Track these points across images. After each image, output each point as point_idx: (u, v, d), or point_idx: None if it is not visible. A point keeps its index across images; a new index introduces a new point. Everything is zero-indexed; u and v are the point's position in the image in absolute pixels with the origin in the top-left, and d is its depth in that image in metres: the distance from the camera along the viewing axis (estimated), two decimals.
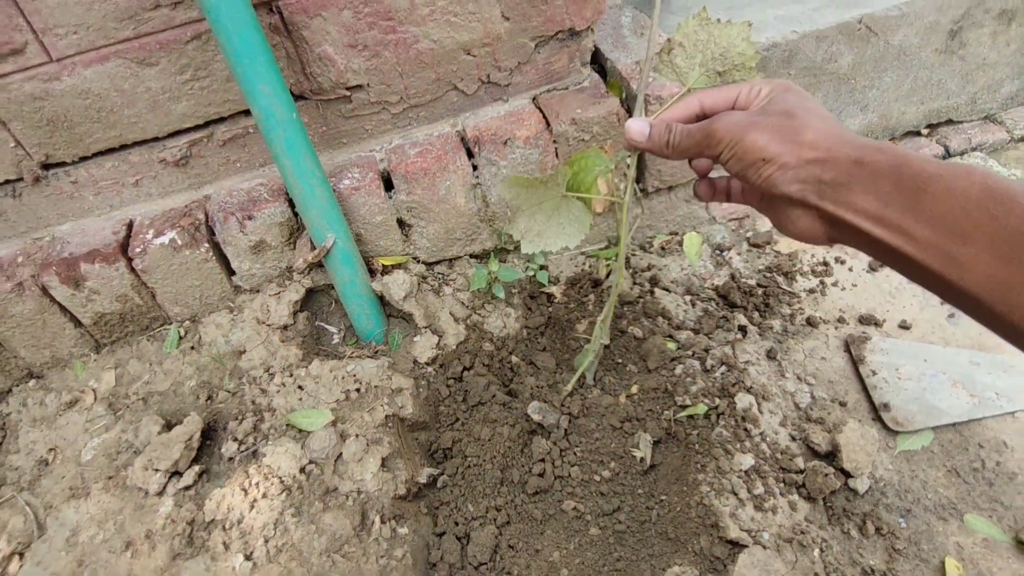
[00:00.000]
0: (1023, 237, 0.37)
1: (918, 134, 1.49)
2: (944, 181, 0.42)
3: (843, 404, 1.04)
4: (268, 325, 1.14)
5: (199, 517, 0.88)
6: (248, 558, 0.82)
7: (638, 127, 0.64)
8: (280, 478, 0.91)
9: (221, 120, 1.13)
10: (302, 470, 0.92)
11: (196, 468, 0.93)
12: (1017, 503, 0.91)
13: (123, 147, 1.11)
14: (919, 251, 0.43)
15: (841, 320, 1.17)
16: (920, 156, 0.45)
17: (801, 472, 0.92)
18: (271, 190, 1.15)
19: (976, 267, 0.40)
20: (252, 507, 0.87)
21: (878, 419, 1.02)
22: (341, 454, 0.95)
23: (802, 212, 0.52)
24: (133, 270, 1.12)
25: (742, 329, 1.13)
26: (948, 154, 1.45)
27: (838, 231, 0.50)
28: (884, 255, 0.47)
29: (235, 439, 0.98)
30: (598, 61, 1.30)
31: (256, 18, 0.90)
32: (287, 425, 1.00)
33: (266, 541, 0.83)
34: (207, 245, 1.14)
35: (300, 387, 1.06)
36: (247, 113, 1.13)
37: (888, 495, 0.93)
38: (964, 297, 0.42)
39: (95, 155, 1.11)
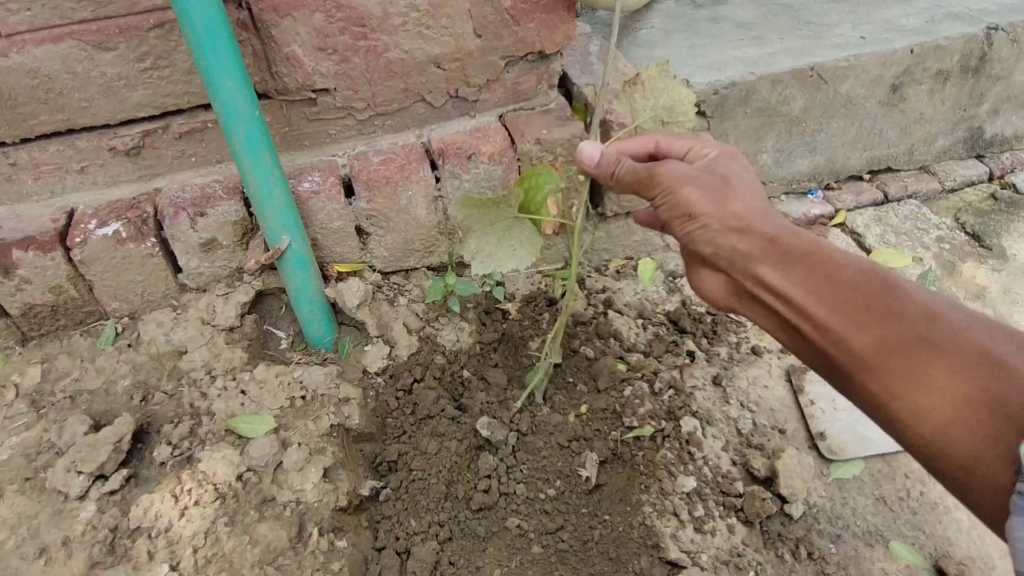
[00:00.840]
0: (915, 331, 0.40)
1: (860, 178, 1.58)
2: (850, 272, 0.45)
3: (782, 431, 1.07)
4: (213, 326, 1.10)
5: (123, 524, 0.83)
6: (174, 568, 0.78)
7: (589, 152, 0.66)
8: (215, 485, 0.87)
9: (179, 112, 1.09)
10: (239, 478, 0.89)
11: (124, 472, 0.88)
12: (938, 531, 0.96)
13: (70, 132, 1.07)
14: (816, 333, 0.45)
15: (784, 351, 1.21)
16: (831, 245, 0.48)
17: (740, 496, 0.95)
18: (227, 187, 1.12)
19: (867, 355, 0.42)
20: (182, 515, 0.83)
21: (814, 447, 1.06)
22: (282, 462, 0.92)
23: (711, 274, 0.54)
24: (71, 260, 1.07)
25: (690, 355, 1.16)
26: (887, 199, 1.54)
27: (740, 301, 0.52)
28: (780, 331, 0.49)
29: (169, 443, 0.94)
30: (565, 85, 1.33)
31: (224, 10, 0.88)
32: (226, 430, 0.96)
33: (195, 551, 0.79)
34: (154, 239, 1.09)
35: (243, 392, 1.02)
36: (207, 107, 1.10)
37: (820, 521, 0.96)
38: (851, 382, 0.44)
39: (39, 138, 1.06)
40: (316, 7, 1.02)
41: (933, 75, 1.44)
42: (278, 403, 1.00)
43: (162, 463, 0.91)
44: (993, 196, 1.55)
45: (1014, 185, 1.58)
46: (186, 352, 1.07)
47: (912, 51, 1.39)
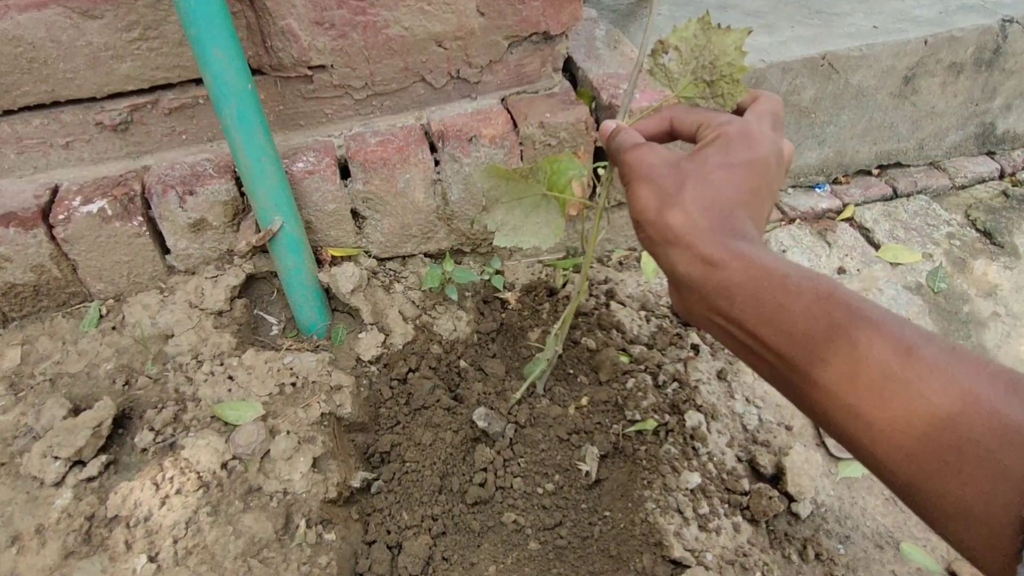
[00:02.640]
0: (883, 369, 0.35)
1: (869, 173, 1.55)
2: (806, 301, 0.39)
3: (789, 428, 1.04)
4: (201, 309, 1.06)
5: (100, 512, 0.79)
6: (152, 560, 0.74)
7: (606, 125, 0.61)
8: (198, 473, 0.83)
9: (169, 87, 1.05)
10: (224, 466, 0.85)
11: (103, 458, 0.84)
12: None
13: (55, 104, 1.02)
14: (778, 361, 0.40)
15: None
16: (783, 267, 0.41)
17: (746, 494, 0.91)
18: (218, 166, 1.08)
19: (834, 390, 0.37)
20: (163, 504, 0.79)
21: (822, 444, 1.02)
22: (269, 451, 0.88)
23: (670, 284, 0.48)
24: (54, 239, 1.03)
25: (695, 348, 1.13)
26: (896, 194, 1.51)
27: (695, 319, 0.46)
28: (741, 354, 0.44)
29: (152, 429, 0.90)
30: (570, 70, 1.29)
31: None
32: (212, 417, 0.92)
33: (175, 542, 0.75)
34: (141, 219, 1.05)
35: (231, 377, 0.98)
36: (198, 83, 1.06)
37: (829, 521, 0.93)
38: (822, 413, 0.39)
39: (22, 110, 1.02)
40: None
41: (946, 67, 1.40)
42: (267, 390, 0.96)
43: (144, 449, 0.87)
44: (1004, 193, 1.52)
45: None
46: (172, 336, 1.03)
47: (926, 42, 1.35)
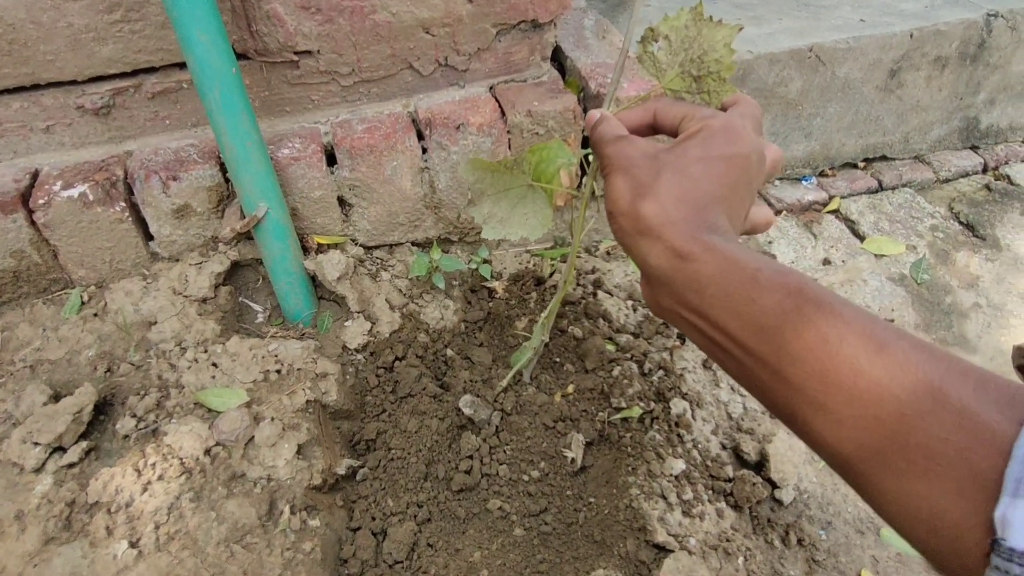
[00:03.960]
0: (853, 366, 0.34)
1: (855, 166, 1.56)
2: (776, 296, 0.38)
3: (773, 416, 1.04)
4: (185, 296, 1.05)
5: (81, 498, 0.78)
6: (133, 545, 0.73)
7: (591, 114, 0.60)
8: (181, 459, 0.83)
9: (152, 70, 1.04)
10: (207, 452, 0.84)
11: (83, 444, 0.84)
12: None
13: (35, 87, 1.01)
14: (746, 357, 0.39)
15: None
16: (754, 260, 0.40)
17: (730, 480, 0.92)
18: (202, 152, 1.07)
19: (805, 388, 0.36)
20: (145, 490, 0.79)
21: None
22: (253, 437, 0.88)
23: (641, 277, 0.47)
24: (34, 224, 1.01)
25: (681, 337, 1.13)
26: (881, 187, 1.52)
27: (664, 313, 0.45)
28: (709, 349, 0.43)
29: (134, 415, 0.89)
30: (558, 59, 1.28)
31: None
32: (195, 404, 0.91)
33: (156, 528, 0.75)
34: (123, 204, 1.04)
35: (215, 364, 0.97)
36: (182, 67, 1.05)
37: (811, 507, 0.94)
38: (776, 405, 0.39)
39: (1, 93, 1.00)
40: None
41: (931, 61, 1.41)
42: (251, 377, 0.96)
43: (125, 436, 0.87)
44: (987, 187, 1.54)
45: (1008, 177, 1.57)
46: (156, 322, 1.02)
47: (911, 35, 1.36)
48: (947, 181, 1.56)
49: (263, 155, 0.98)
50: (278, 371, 0.98)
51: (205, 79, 0.90)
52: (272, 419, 0.90)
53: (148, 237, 1.09)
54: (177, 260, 1.10)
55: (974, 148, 1.62)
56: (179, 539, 0.74)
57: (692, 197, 0.44)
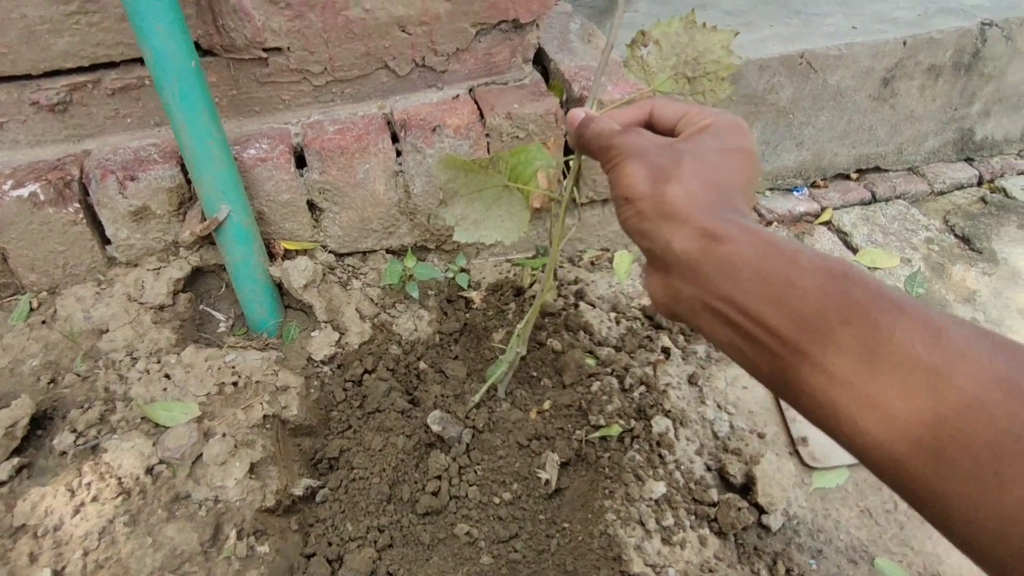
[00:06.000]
0: (911, 355, 0.30)
1: (847, 177, 1.52)
2: (819, 278, 0.34)
3: (761, 436, 0.99)
4: (141, 303, 0.99)
5: (7, 520, 0.72)
6: (58, 573, 0.67)
7: (574, 114, 0.56)
8: (119, 479, 0.76)
9: (112, 65, 0.99)
10: (149, 471, 0.78)
11: (15, 461, 0.77)
12: (927, 548, 0.88)
13: None
14: (781, 347, 0.35)
15: None
16: (792, 243, 0.37)
17: (714, 505, 0.86)
18: (163, 152, 1.02)
19: (853, 381, 0.32)
20: (76, 512, 0.72)
21: (795, 453, 0.98)
22: (201, 455, 0.82)
23: (653, 271, 0.43)
24: None
25: (665, 351, 1.08)
26: (875, 199, 1.48)
27: (684, 306, 0.41)
28: (738, 344, 0.39)
29: (74, 430, 0.83)
30: (542, 62, 1.24)
31: None
32: (142, 418, 0.85)
33: (85, 554, 0.68)
34: (77, 205, 0.98)
35: (167, 376, 0.91)
36: (144, 62, 1.00)
37: (801, 534, 0.88)
38: (815, 403, 0.34)
39: None
40: None
41: (925, 70, 1.38)
42: (205, 389, 0.90)
43: (63, 453, 0.80)
44: (983, 200, 1.50)
45: (1004, 189, 1.53)
46: (107, 331, 0.96)
47: (904, 43, 1.33)
48: (942, 193, 1.52)
49: (226, 154, 0.93)
50: (235, 383, 0.92)
51: (162, 72, 0.85)
52: (224, 435, 0.84)
53: (104, 240, 1.04)
54: (135, 265, 1.04)
55: (969, 160, 1.59)
56: (109, 567, 0.68)
57: (716, 182, 0.42)
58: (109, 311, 0.97)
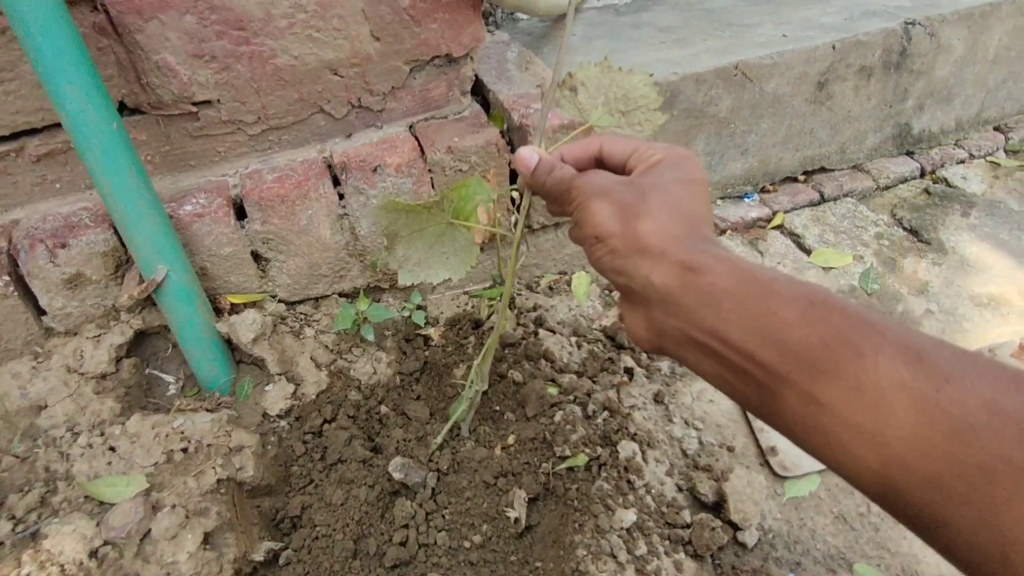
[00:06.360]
0: (894, 379, 0.30)
1: (795, 180, 1.54)
2: (800, 306, 0.34)
3: (731, 449, 0.98)
4: (81, 374, 0.95)
5: None
6: None
7: (526, 157, 0.56)
8: (61, 566, 0.72)
9: (34, 132, 0.96)
10: (93, 554, 0.74)
11: None
12: (903, 548, 0.87)
13: None
14: (768, 377, 0.35)
15: None
16: (770, 272, 0.37)
17: (687, 527, 0.84)
18: (95, 215, 0.98)
19: (840, 410, 0.32)
20: None
21: (766, 464, 0.97)
22: (150, 531, 0.78)
23: (631, 308, 0.44)
24: None
25: (628, 371, 1.07)
26: (823, 199, 1.50)
27: (668, 340, 0.41)
28: (724, 375, 0.38)
29: (12, 517, 0.78)
30: (481, 93, 1.25)
31: (62, 6, 0.76)
32: (85, 497, 0.81)
33: None
34: (8, 278, 0.95)
35: (111, 448, 0.87)
36: None
37: (777, 547, 0.87)
38: (806, 430, 0.34)
39: None
40: (186, 8, 0.91)
41: (857, 71, 1.42)
42: (152, 459, 0.86)
43: (0, 543, 0.76)
44: (927, 191, 1.53)
45: (946, 179, 1.57)
46: (46, 406, 0.92)
47: (834, 47, 1.36)
48: (887, 188, 1.56)
49: (158, 213, 0.91)
50: (184, 449, 0.88)
51: (82, 137, 0.83)
52: (174, 506, 0.80)
53: (40, 311, 1.00)
54: (74, 334, 1.00)
55: (910, 154, 1.63)
56: None
57: (684, 213, 0.43)
58: (47, 385, 0.93)
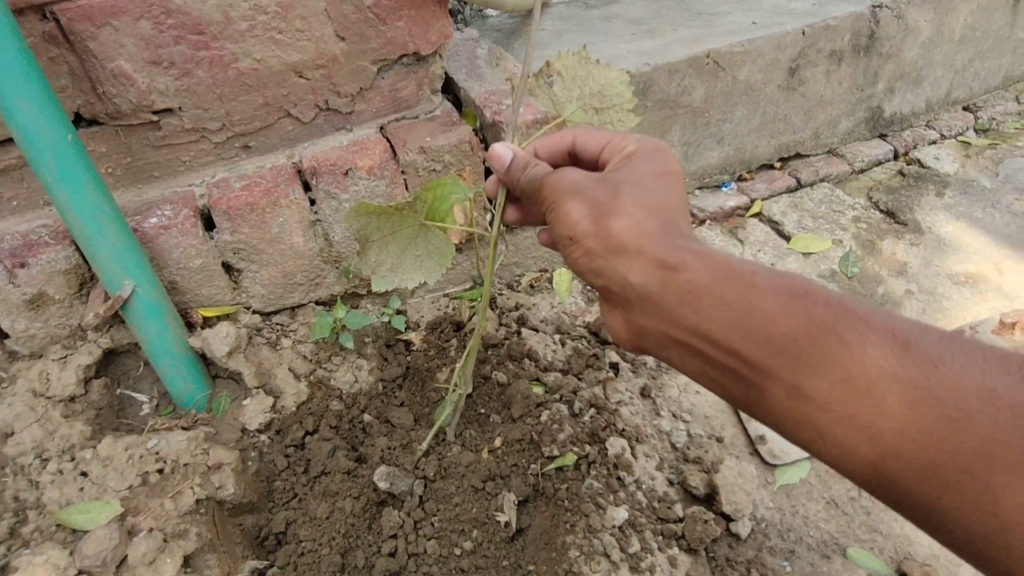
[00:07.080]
0: (883, 369, 0.30)
1: (772, 167, 1.55)
2: (781, 299, 0.33)
3: (720, 440, 0.97)
4: (48, 398, 0.91)
5: None
6: None
7: (500, 154, 0.54)
8: None
9: None
10: None
11: None
12: (895, 530, 0.87)
13: None
14: (753, 374, 0.34)
15: None
16: (750, 265, 0.36)
17: (680, 521, 0.83)
18: (55, 232, 0.95)
19: (827, 401, 0.31)
20: None
21: (756, 453, 0.96)
22: (126, 557, 0.75)
23: (610, 309, 0.42)
24: None
25: (614, 367, 1.06)
26: (800, 185, 1.50)
27: (650, 340, 0.40)
28: (709, 373, 0.37)
29: None
30: (452, 91, 1.23)
31: (8, 13, 0.73)
32: (57, 525, 0.78)
33: None
34: None
35: (83, 473, 0.84)
36: None
37: (771, 537, 0.86)
38: (797, 425, 0.33)
39: None
40: (140, 14, 0.88)
41: (827, 56, 1.42)
42: (126, 483, 0.83)
43: None
44: (901, 173, 1.54)
45: (919, 160, 1.58)
46: (12, 433, 0.88)
47: (804, 32, 1.36)
48: (862, 171, 1.56)
49: (121, 228, 0.87)
50: (160, 471, 0.85)
51: (35, 152, 0.79)
52: (151, 530, 0.77)
53: (2, 335, 0.96)
54: (39, 356, 0.96)
55: (883, 136, 1.64)
56: None
57: (659, 207, 0.42)
58: (13, 411, 0.89)
